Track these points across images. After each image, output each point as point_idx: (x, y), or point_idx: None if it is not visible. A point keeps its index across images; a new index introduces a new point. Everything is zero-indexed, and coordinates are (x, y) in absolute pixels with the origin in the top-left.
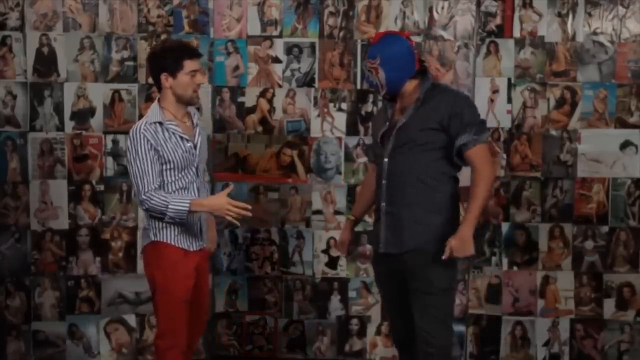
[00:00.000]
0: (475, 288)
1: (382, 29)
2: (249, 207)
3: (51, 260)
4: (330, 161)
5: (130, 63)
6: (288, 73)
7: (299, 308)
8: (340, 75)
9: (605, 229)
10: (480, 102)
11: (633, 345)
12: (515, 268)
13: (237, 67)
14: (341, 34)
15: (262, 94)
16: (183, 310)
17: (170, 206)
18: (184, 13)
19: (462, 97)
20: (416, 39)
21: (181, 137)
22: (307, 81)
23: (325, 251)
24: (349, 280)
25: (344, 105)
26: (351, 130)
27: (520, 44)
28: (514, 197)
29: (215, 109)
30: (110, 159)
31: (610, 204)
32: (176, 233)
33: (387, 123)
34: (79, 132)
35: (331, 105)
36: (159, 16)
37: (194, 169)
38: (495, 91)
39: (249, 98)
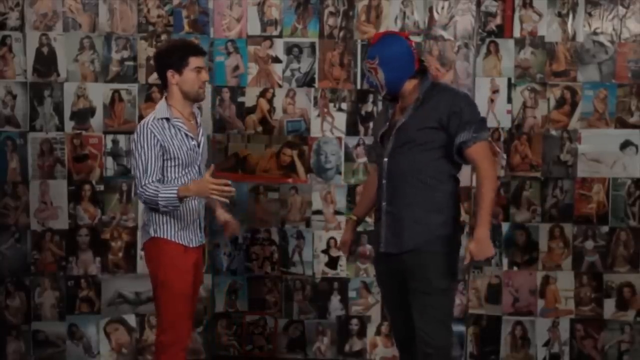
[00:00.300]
0: (475, 288)
1: (382, 29)
2: (229, 182)
3: (51, 260)
4: (330, 161)
5: (130, 63)
6: (288, 73)
7: (299, 308)
8: (340, 75)
9: (605, 229)
10: (481, 102)
11: (633, 346)
12: (515, 268)
13: (237, 67)
14: (341, 34)
15: (262, 94)
16: (185, 305)
17: (160, 194)
18: (184, 13)
19: (462, 95)
20: (416, 39)
21: (186, 135)
22: (307, 81)
23: (325, 251)
24: (349, 280)
25: (344, 105)
26: (351, 130)
27: (520, 44)
28: (514, 197)
29: (215, 109)
30: (110, 159)
31: (611, 204)
32: (176, 229)
33: (387, 123)
34: (79, 132)
35: (331, 105)
36: (159, 16)
37: (196, 167)
38: (495, 91)
39: (249, 98)
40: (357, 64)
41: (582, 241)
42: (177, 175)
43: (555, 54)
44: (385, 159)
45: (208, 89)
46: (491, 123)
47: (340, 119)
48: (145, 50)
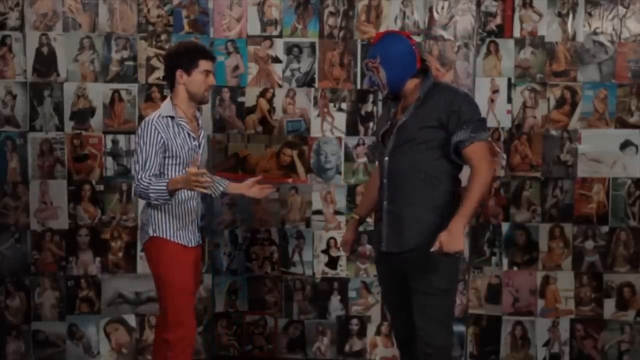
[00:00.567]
0: (475, 288)
1: (382, 29)
2: (205, 172)
3: (51, 260)
4: (330, 161)
5: (130, 63)
6: (288, 73)
7: (299, 308)
8: (340, 75)
9: (605, 229)
10: (481, 102)
11: (633, 346)
12: (515, 268)
13: (237, 67)
14: (341, 34)
15: (262, 94)
16: (190, 302)
17: (151, 187)
18: (184, 13)
19: (462, 94)
20: (416, 39)
21: (189, 134)
22: (307, 81)
23: (325, 251)
24: (349, 280)
25: (344, 105)
26: (351, 130)
27: (520, 44)
28: (514, 197)
29: (215, 109)
30: (110, 159)
31: (611, 204)
32: (174, 229)
33: (389, 122)
34: (78, 132)
35: (331, 105)
36: (158, 16)
37: (196, 168)
38: (495, 91)
39: (249, 98)
40: (357, 64)
41: (582, 241)
42: (177, 175)
43: (555, 54)
44: (386, 158)
45: None
46: (491, 123)
47: (340, 119)
48: (145, 50)
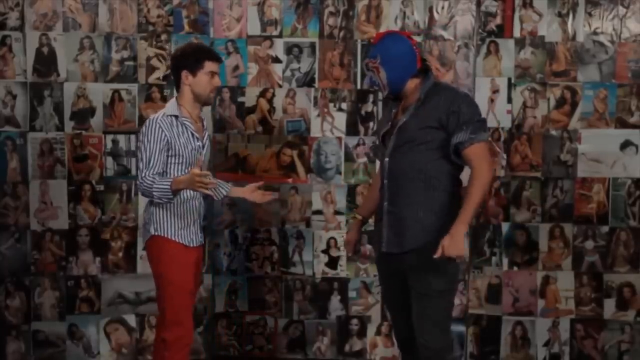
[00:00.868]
0: (476, 288)
1: (382, 29)
2: (209, 173)
3: (51, 260)
4: (330, 161)
5: (130, 63)
6: (288, 73)
7: (299, 308)
8: (340, 75)
9: (605, 229)
10: (481, 102)
11: (633, 346)
12: (515, 268)
13: (237, 67)
14: (341, 34)
15: (262, 94)
16: (188, 301)
17: (155, 185)
18: (184, 13)
19: (462, 95)
20: (416, 39)
21: (192, 134)
22: (307, 81)
23: (325, 251)
24: (349, 280)
25: (344, 105)
26: (351, 130)
27: (520, 44)
28: (514, 197)
29: (215, 109)
30: (110, 159)
31: (611, 204)
32: (176, 228)
33: (390, 123)
34: (78, 132)
35: (331, 105)
36: (159, 16)
37: (199, 169)
38: (495, 91)
39: (249, 98)
40: (357, 64)
41: (582, 241)
42: (179, 173)
43: (555, 54)
44: (387, 159)
45: None
46: (491, 123)
47: (340, 119)
48: (145, 50)
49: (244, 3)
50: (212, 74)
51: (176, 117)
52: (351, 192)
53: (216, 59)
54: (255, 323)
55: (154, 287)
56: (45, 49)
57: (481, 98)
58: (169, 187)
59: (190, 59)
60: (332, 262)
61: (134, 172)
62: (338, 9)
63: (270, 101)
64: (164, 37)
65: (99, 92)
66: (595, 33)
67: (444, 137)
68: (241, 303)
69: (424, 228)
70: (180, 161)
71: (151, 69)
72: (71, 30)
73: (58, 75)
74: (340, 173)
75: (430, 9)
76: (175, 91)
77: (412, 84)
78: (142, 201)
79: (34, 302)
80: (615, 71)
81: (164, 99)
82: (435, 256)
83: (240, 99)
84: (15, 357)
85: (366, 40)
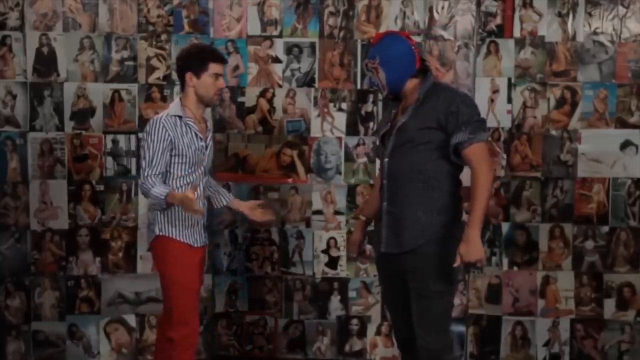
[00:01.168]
0: (476, 288)
1: (382, 29)
2: (195, 200)
3: (51, 260)
4: (330, 161)
5: (130, 63)
6: (288, 73)
7: (299, 308)
8: (340, 75)
9: (605, 229)
10: (481, 102)
11: (633, 346)
12: (515, 268)
13: (237, 67)
14: (341, 34)
15: (262, 94)
16: (194, 301)
17: (153, 190)
18: (184, 13)
19: (461, 95)
20: (416, 39)
21: (196, 134)
22: (307, 81)
23: (325, 251)
24: (349, 280)
25: (344, 105)
26: (351, 130)
27: (520, 44)
28: (514, 197)
29: (215, 109)
30: (110, 159)
31: (611, 204)
32: (181, 229)
33: (389, 123)
34: (78, 132)
35: (331, 105)
36: (159, 16)
37: (202, 168)
38: (495, 91)
39: (249, 98)
40: (357, 64)
41: (582, 241)
42: (182, 174)
43: (555, 54)
44: (386, 159)
45: None
46: (491, 123)
47: (340, 119)
48: (145, 50)
49: (244, 3)
50: (216, 75)
51: (180, 117)
52: (351, 192)
53: (220, 60)
54: (255, 323)
55: (153, 287)
56: (45, 49)
57: (481, 98)
58: (164, 197)
59: (194, 60)
60: (332, 262)
61: (134, 172)
62: (338, 9)
63: (270, 101)
64: (164, 37)
65: (99, 92)
66: (595, 33)
67: (443, 138)
68: (241, 303)
69: (423, 228)
70: (184, 161)
71: (151, 69)
72: (71, 30)
73: (58, 75)
74: (340, 173)
75: (430, 9)
76: (177, 91)
77: (411, 84)
78: (142, 201)
79: (34, 302)
80: (615, 71)
81: (164, 99)
82: (455, 265)
83: (240, 99)
84: (15, 357)
85: (366, 40)
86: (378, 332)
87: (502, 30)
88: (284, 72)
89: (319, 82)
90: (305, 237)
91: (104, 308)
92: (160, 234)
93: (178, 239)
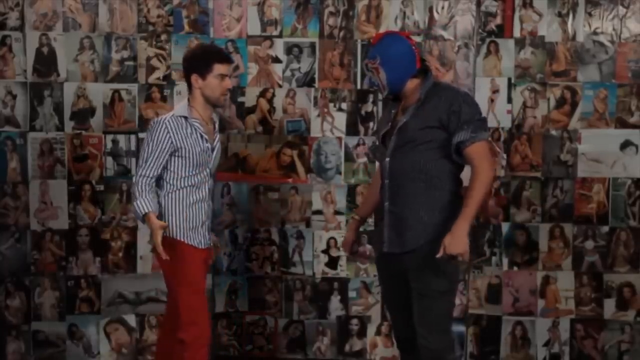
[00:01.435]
0: (476, 288)
1: (382, 29)
2: (166, 256)
3: (51, 260)
4: (330, 161)
5: (130, 63)
6: (288, 73)
7: (299, 308)
8: (340, 75)
9: (605, 229)
10: (481, 102)
11: (633, 346)
12: (515, 268)
13: (237, 67)
14: (341, 34)
15: (262, 94)
16: (202, 301)
17: (140, 197)
18: (184, 13)
19: (462, 94)
20: (416, 39)
21: (202, 136)
22: (307, 81)
23: (325, 251)
24: (349, 280)
25: (344, 105)
26: (351, 130)
27: (520, 44)
28: (514, 197)
29: (216, 109)
30: (110, 159)
31: (611, 204)
32: (186, 230)
33: (390, 123)
34: (78, 132)
35: (331, 105)
36: (159, 16)
37: (208, 170)
38: (495, 91)
39: (249, 98)
40: (357, 64)
41: (582, 241)
42: (187, 174)
43: (555, 54)
44: (387, 159)
45: None
46: (491, 123)
47: (340, 119)
48: (145, 50)
49: (244, 3)
50: (222, 76)
51: (185, 118)
52: (351, 192)
53: (225, 60)
54: (255, 323)
55: (153, 287)
56: (45, 49)
57: (481, 98)
58: (144, 212)
59: (198, 62)
60: (332, 262)
61: (134, 172)
62: (338, 9)
63: (270, 101)
64: (164, 37)
65: (99, 92)
66: (595, 33)
67: (444, 137)
68: (241, 303)
69: (425, 228)
70: (188, 162)
71: (151, 69)
72: (71, 30)
73: (58, 75)
74: (340, 173)
75: (430, 9)
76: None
77: (411, 84)
78: None
79: (34, 302)
80: (615, 71)
81: (164, 99)
82: (438, 255)
83: (240, 99)
84: (15, 357)
85: (366, 40)
86: (378, 332)
87: (502, 30)
88: (284, 72)
89: (319, 82)
90: (305, 237)
91: (104, 308)
92: (165, 234)
93: (183, 240)
